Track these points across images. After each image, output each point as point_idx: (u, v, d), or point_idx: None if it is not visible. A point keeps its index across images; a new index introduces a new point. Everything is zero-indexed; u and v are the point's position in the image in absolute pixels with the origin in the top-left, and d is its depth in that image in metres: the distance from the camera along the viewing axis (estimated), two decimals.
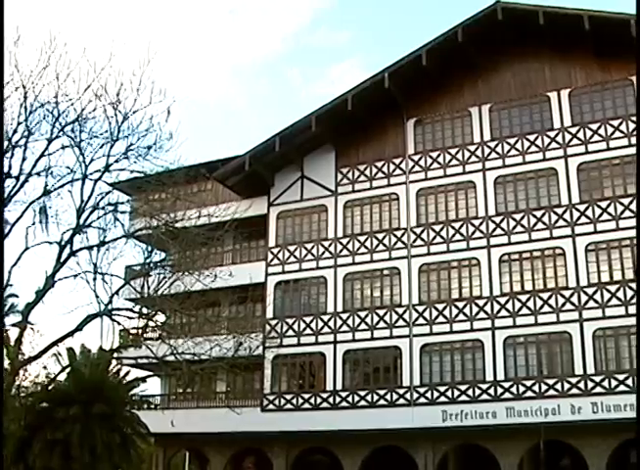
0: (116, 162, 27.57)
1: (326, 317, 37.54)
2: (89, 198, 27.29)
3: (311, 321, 37.80)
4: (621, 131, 35.13)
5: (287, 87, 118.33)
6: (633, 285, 32.85)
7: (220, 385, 39.74)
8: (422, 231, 37.20)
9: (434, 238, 36.89)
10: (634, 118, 34.93)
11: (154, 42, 78.58)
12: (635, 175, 32.18)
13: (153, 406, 37.71)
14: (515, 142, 36.88)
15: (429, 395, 34.69)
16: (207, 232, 29.51)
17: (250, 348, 32.94)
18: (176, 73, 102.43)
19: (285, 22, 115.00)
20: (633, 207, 33.81)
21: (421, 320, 35.93)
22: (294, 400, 37.01)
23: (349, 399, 35.90)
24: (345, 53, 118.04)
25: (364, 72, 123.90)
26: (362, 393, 35.83)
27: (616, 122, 35.36)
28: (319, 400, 36.49)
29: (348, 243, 38.30)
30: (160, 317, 33.86)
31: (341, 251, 38.33)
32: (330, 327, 37.31)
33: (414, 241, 37.18)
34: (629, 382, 31.83)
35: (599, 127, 35.60)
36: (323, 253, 38.66)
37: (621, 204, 34.16)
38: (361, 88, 38.01)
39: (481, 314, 35.04)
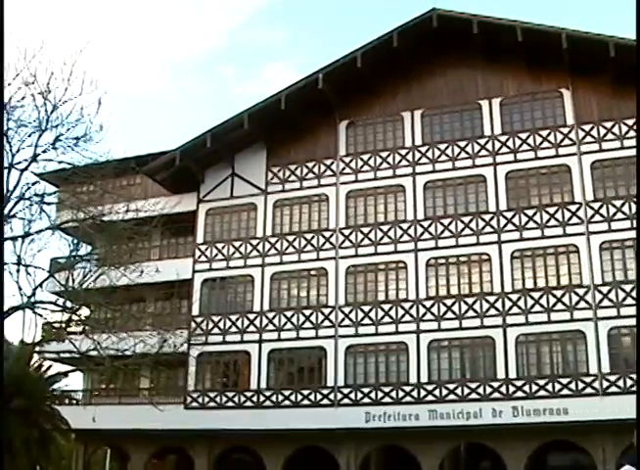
0: (44, 152, 26.99)
1: (252, 316, 37.41)
2: (15, 188, 26.68)
3: (237, 319, 37.62)
4: (550, 141, 35.86)
5: (221, 84, 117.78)
6: (556, 292, 33.60)
7: (143, 381, 39.30)
8: (350, 233, 37.32)
9: (363, 240, 37.03)
10: (562, 129, 35.76)
11: (87, 32, 77.65)
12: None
13: (74, 402, 37.24)
14: (445, 148, 37.28)
15: (352, 396, 34.82)
16: (135, 227, 29.10)
17: (174, 344, 32.44)
18: (109, 65, 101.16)
19: (222, 18, 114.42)
20: (559, 215, 34.60)
21: (347, 322, 36.02)
22: (217, 399, 36.80)
23: (273, 398, 35.83)
24: (281, 53, 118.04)
25: (299, 73, 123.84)
26: (286, 392, 35.79)
27: (544, 133, 36.06)
28: (243, 399, 36.34)
29: (277, 242, 38.23)
30: (85, 311, 33.45)
31: (269, 250, 38.24)
32: (256, 326, 37.19)
33: (342, 242, 37.29)
34: (549, 387, 32.55)
35: (528, 137, 36.25)
36: (251, 251, 38.51)
37: (547, 212, 34.83)
38: (295, 88, 38.04)
39: (407, 317, 35.28)
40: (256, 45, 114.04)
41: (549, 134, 36.00)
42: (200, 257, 39.28)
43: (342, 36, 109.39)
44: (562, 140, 35.72)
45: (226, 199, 39.82)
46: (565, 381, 32.49)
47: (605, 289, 33.17)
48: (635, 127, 33.81)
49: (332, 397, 35.05)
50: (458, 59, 38.11)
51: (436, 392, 33.82)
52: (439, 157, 37.25)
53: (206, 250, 39.25)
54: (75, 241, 30.65)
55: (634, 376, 31.68)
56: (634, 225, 33.58)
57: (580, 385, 32.27)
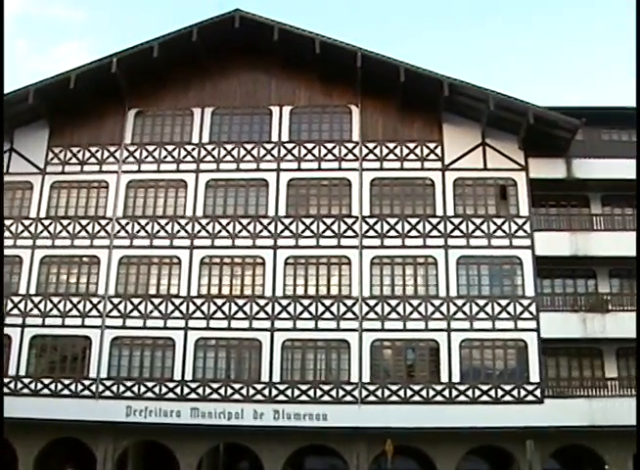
0: None
1: (16, 299, 35.75)
2: None
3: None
4: (334, 154, 36.97)
5: (11, 56, 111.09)
6: (325, 301, 34.68)
7: None
8: (127, 223, 36.62)
9: (139, 232, 36.46)
10: (347, 144, 37.03)
11: None
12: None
13: None
14: (232, 148, 37.50)
15: (115, 388, 34.14)
16: None
17: None
18: None
19: None
20: (335, 227, 35.73)
21: (114, 312, 35.27)
22: None
23: (32, 386, 34.36)
24: (77, 33, 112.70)
25: (94, 56, 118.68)
26: (46, 381, 34.44)
27: (330, 145, 37.12)
28: None
29: (50, 225, 36.78)
30: None
31: (41, 232, 36.70)
32: (20, 309, 35.52)
33: (118, 232, 36.52)
34: (311, 393, 33.49)
35: (313, 147, 37.17)
36: (22, 232, 36.75)
37: (324, 223, 35.84)
38: (86, 69, 36.73)
39: (176, 313, 35.07)
40: (52, 21, 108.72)
41: (334, 147, 37.10)
42: None
43: (147, 24, 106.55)
44: (346, 154, 36.94)
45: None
46: (326, 388, 33.57)
47: (372, 302, 34.59)
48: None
49: (93, 388, 34.22)
50: (255, 62, 38.53)
51: (200, 390, 33.87)
52: (225, 157, 37.43)
53: None
54: None
55: (392, 387, 33.47)
56: (404, 244, 35.35)
57: (341, 392, 33.47)
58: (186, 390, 33.95)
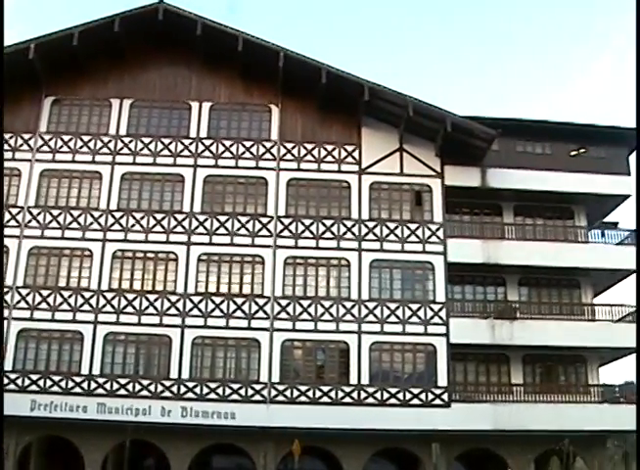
0: None
1: None
2: None
3: None
4: (252, 153, 36.99)
5: None
6: (237, 299, 34.71)
7: None
8: (39, 213, 35.82)
9: (51, 222, 35.73)
10: (266, 144, 37.10)
11: None
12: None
13: None
14: (149, 142, 37.11)
15: (19, 381, 33.38)
16: None
17: None
18: None
19: None
20: (250, 226, 35.83)
21: (22, 304, 34.46)
22: None
23: None
24: None
25: (10, 40, 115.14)
26: None
27: (248, 144, 37.10)
28: None
29: None
30: None
31: None
32: None
33: (29, 221, 35.66)
34: (220, 391, 33.43)
35: (231, 145, 37.07)
36: None
37: (239, 221, 35.91)
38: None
39: (86, 307, 34.50)
40: None
41: (252, 146, 37.10)
42: None
43: (74, 11, 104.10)
44: (263, 154, 36.98)
45: None
46: (235, 386, 33.55)
47: (284, 302, 34.73)
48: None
49: None
50: (177, 56, 38.24)
51: (108, 385, 33.39)
52: (142, 150, 37.01)
53: None
54: None
55: (301, 387, 33.69)
56: (318, 245, 35.55)
57: (250, 391, 33.49)
58: (93, 385, 33.45)
